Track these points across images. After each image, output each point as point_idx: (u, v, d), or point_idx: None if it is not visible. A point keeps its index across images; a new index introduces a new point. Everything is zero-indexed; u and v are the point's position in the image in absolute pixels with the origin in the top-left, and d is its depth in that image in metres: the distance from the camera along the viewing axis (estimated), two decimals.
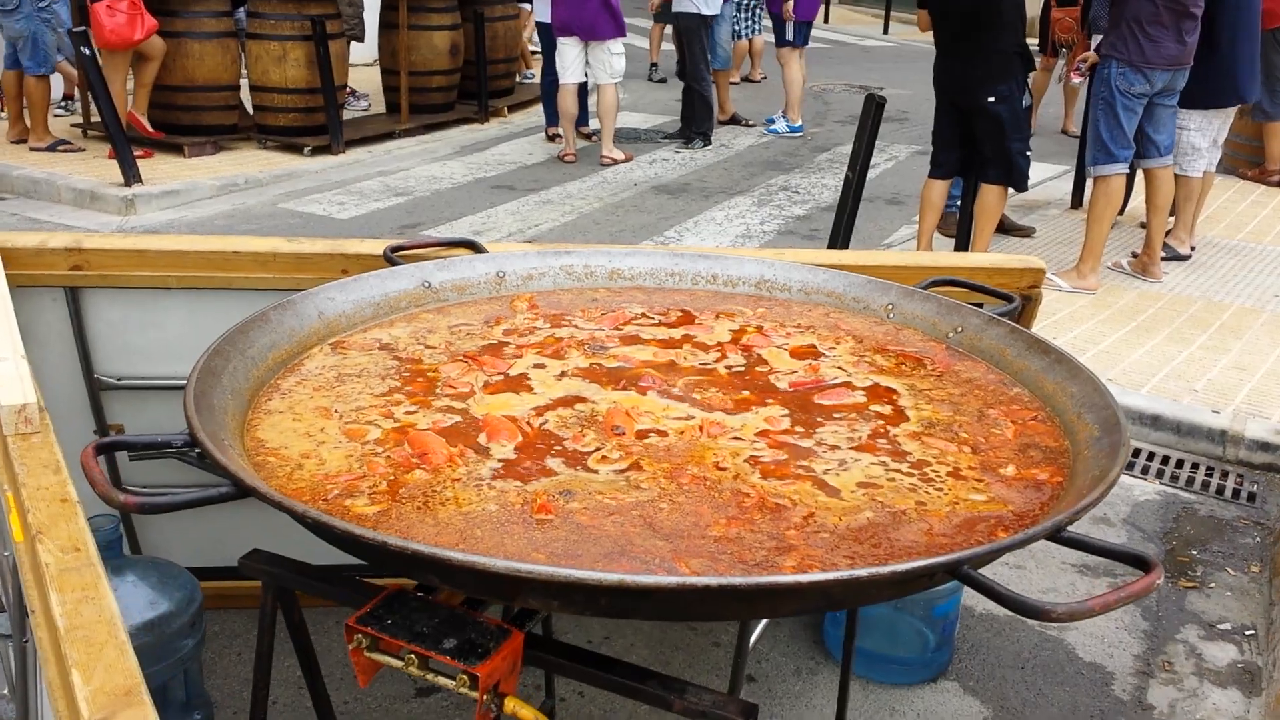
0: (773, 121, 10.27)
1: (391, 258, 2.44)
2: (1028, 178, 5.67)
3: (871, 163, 4.91)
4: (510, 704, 1.49)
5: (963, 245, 5.88)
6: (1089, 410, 1.84)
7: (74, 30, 7.23)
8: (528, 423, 1.83)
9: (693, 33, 9.22)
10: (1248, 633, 3.28)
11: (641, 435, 1.80)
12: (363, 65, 10.55)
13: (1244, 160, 8.49)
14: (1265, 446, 4.32)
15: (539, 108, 9.96)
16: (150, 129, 8.09)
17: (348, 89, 9.35)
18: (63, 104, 9.30)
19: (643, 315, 2.33)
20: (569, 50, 8.43)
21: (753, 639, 2.40)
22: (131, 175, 7.22)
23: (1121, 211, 6.54)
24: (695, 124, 9.53)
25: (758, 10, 11.04)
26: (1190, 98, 5.76)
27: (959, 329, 2.23)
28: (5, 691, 1.94)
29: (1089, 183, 6.11)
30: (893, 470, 1.73)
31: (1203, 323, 5.49)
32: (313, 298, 2.13)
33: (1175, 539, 3.81)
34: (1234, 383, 4.77)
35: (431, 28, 9.35)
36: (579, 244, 2.82)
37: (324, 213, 7.25)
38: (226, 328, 1.91)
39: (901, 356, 2.17)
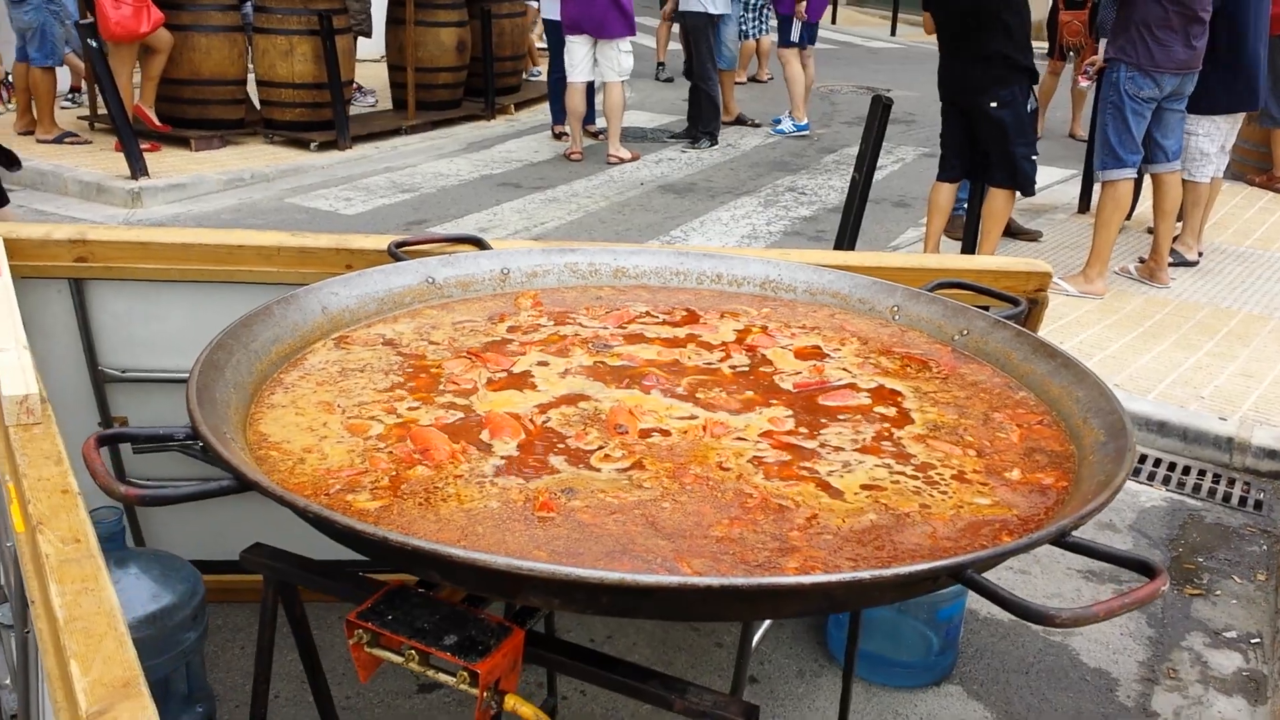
0: (779, 122, 10.26)
1: (396, 253, 2.43)
2: (1033, 182, 5.65)
3: (878, 165, 4.89)
4: (510, 701, 1.49)
5: (970, 248, 5.86)
6: (1095, 415, 1.83)
7: (81, 22, 7.25)
8: (531, 420, 1.82)
9: (700, 32, 9.21)
10: (1253, 641, 3.27)
11: (645, 434, 1.80)
12: (370, 61, 10.56)
13: (1252, 166, 8.47)
14: (1272, 454, 4.30)
15: (545, 105, 9.96)
16: (157, 122, 8.10)
17: (355, 85, 9.36)
18: (70, 96, 9.31)
19: (647, 314, 2.32)
20: (578, 48, 8.42)
21: (755, 640, 2.39)
22: (138, 168, 7.22)
23: (1129, 216, 6.52)
24: (702, 123, 9.52)
25: (765, 10, 11.03)
26: (1198, 103, 5.75)
27: (965, 331, 2.22)
28: (8, 682, 1.94)
29: (1096, 187, 6.10)
30: (897, 473, 1.72)
31: (1210, 329, 5.47)
32: (316, 292, 2.13)
33: (1181, 546, 3.80)
34: (1241, 389, 4.76)
35: (439, 24, 9.35)
36: (584, 242, 2.81)
37: (330, 208, 7.25)
38: (230, 321, 1.91)
39: (906, 359, 2.16)
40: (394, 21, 9.43)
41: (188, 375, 1.68)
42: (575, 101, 8.64)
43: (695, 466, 1.70)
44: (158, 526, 2.96)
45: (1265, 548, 3.80)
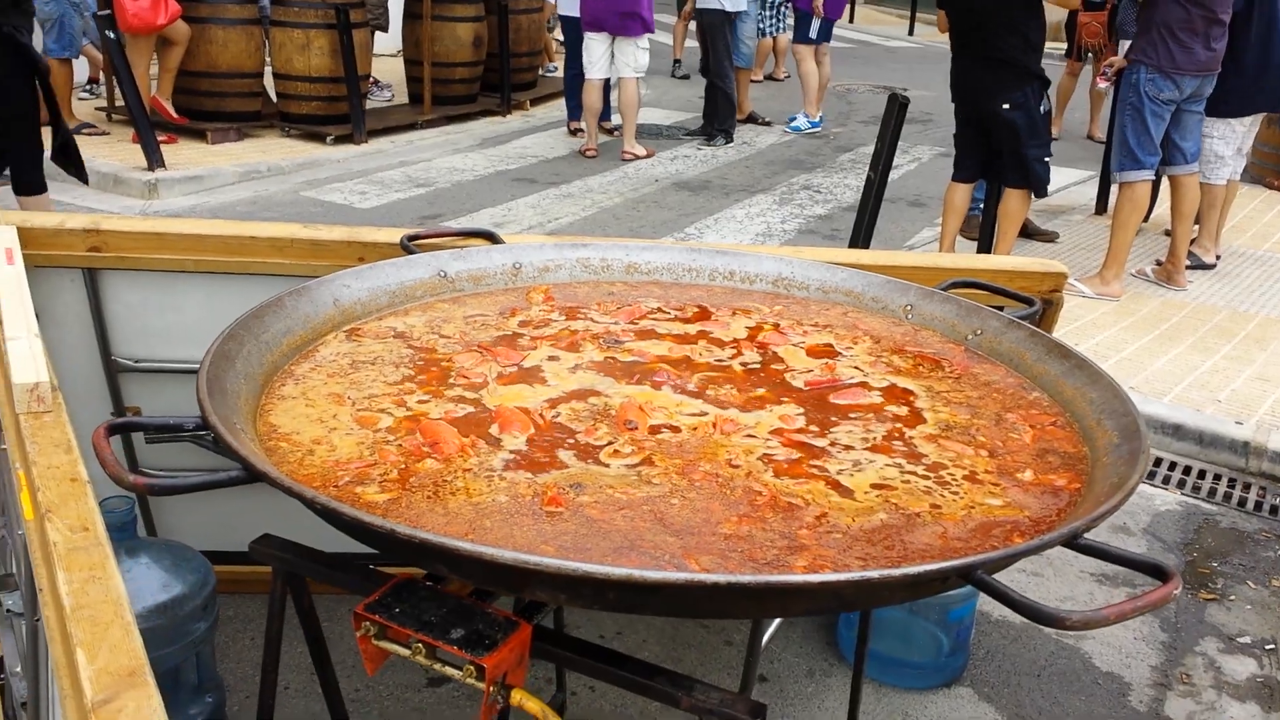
0: (794, 119, 10.24)
1: (408, 246, 2.43)
2: (1046, 184, 5.62)
3: (894, 164, 4.87)
4: (517, 696, 1.48)
5: (985, 248, 5.84)
6: (1109, 416, 1.81)
7: (99, 14, 7.27)
8: (540, 415, 1.82)
9: (717, 29, 9.19)
10: (1268, 647, 3.25)
11: (654, 430, 1.79)
12: (387, 55, 10.58)
13: (1270, 170, 8.41)
14: None
15: (561, 101, 9.96)
16: (174, 114, 8.13)
17: (371, 79, 9.37)
18: (87, 88, 9.35)
19: (659, 310, 2.32)
20: (597, 45, 8.41)
21: (765, 639, 2.39)
22: (155, 160, 7.25)
23: (1146, 218, 6.48)
24: (718, 121, 9.51)
25: (783, 8, 11.00)
26: (1215, 105, 5.71)
27: (978, 331, 2.21)
28: (18, 669, 1.95)
29: (1114, 189, 6.06)
30: (908, 472, 1.71)
31: (1227, 332, 5.43)
32: (328, 284, 2.13)
33: (1196, 550, 3.77)
34: (1258, 394, 4.72)
35: (455, 19, 9.36)
36: (597, 237, 2.81)
37: (345, 202, 7.27)
38: (242, 312, 1.91)
39: (919, 358, 2.15)
40: (411, 16, 9.44)
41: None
42: (592, 98, 8.63)
43: (705, 463, 1.69)
44: (170, 517, 2.97)
45: None
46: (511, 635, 1.47)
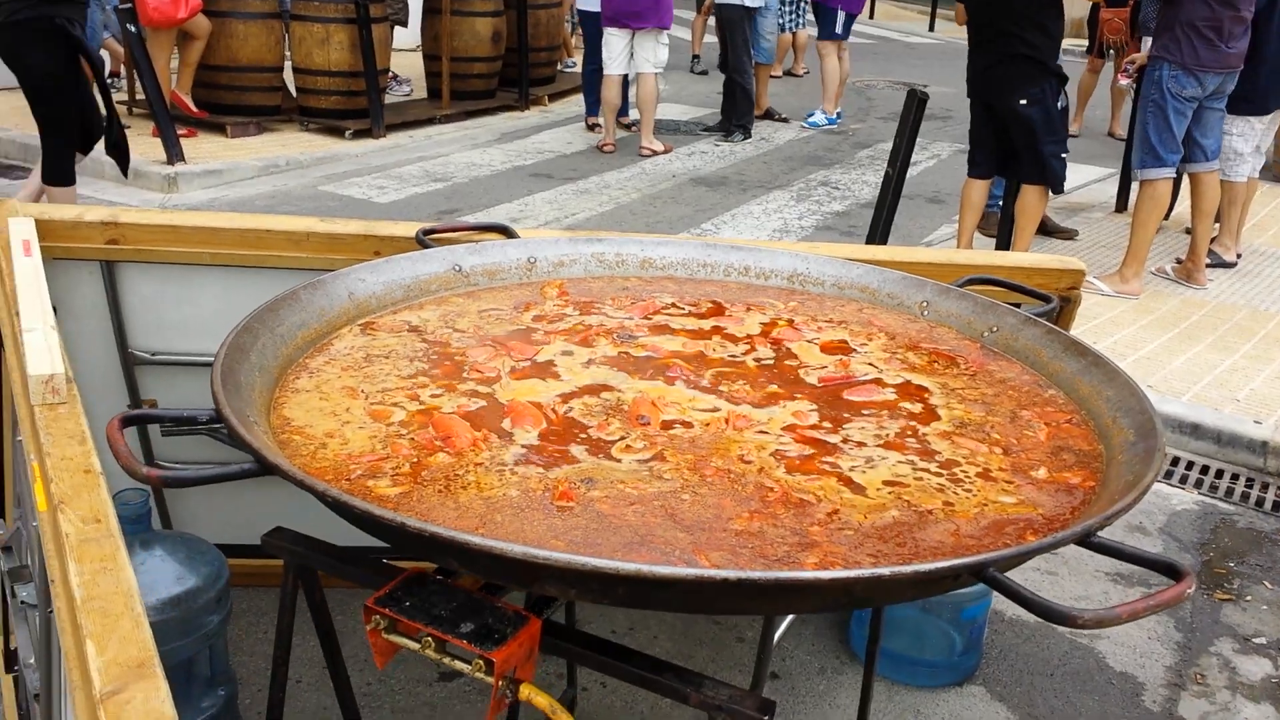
0: (812, 115, 10.21)
1: (424, 241, 2.43)
2: (1063, 180, 5.57)
3: (913, 160, 4.85)
4: (525, 691, 1.48)
5: (1004, 245, 5.80)
6: (1125, 414, 1.80)
7: (120, 7, 7.30)
8: (553, 409, 1.81)
9: (735, 24, 9.17)
10: None
11: (667, 426, 1.79)
12: (406, 50, 10.58)
13: None
14: None
15: (579, 97, 9.95)
16: (194, 108, 8.16)
17: (390, 74, 9.39)
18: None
19: (673, 305, 2.31)
20: (617, 41, 8.40)
21: (777, 636, 2.38)
22: (175, 153, 7.28)
23: (1167, 216, 6.43)
24: (736, 116, 9.48)
25: (802, 4, 10.97)
26: (1235, 103, 5.67)
27: (994, 328, 2.19)
28: (33, 661, 1.96)
29: (1134, 186, 6.02)
30: (920, 469, 1.70)
31: (1247, 331, 5.39)
32: (343, 278, 2.13)
33: (1212, 550, 3.75)
34: (1277, 393, 4.68)
35: (474, 14, 9.36)
36: (612, 232, 2.80)
37: (363, 196, 7.28)
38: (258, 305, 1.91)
39: (934, 354, 2.14)
40: (430, 11, 9.45)
41: None
42: (611, 94, 8.63)
43: (716, 459, 1.69)
44: (185, 510, 2.98)
45: None
46: (521, 630, 1.47)
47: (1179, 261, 6.17)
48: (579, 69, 10.22)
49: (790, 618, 2.63)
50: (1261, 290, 6.05)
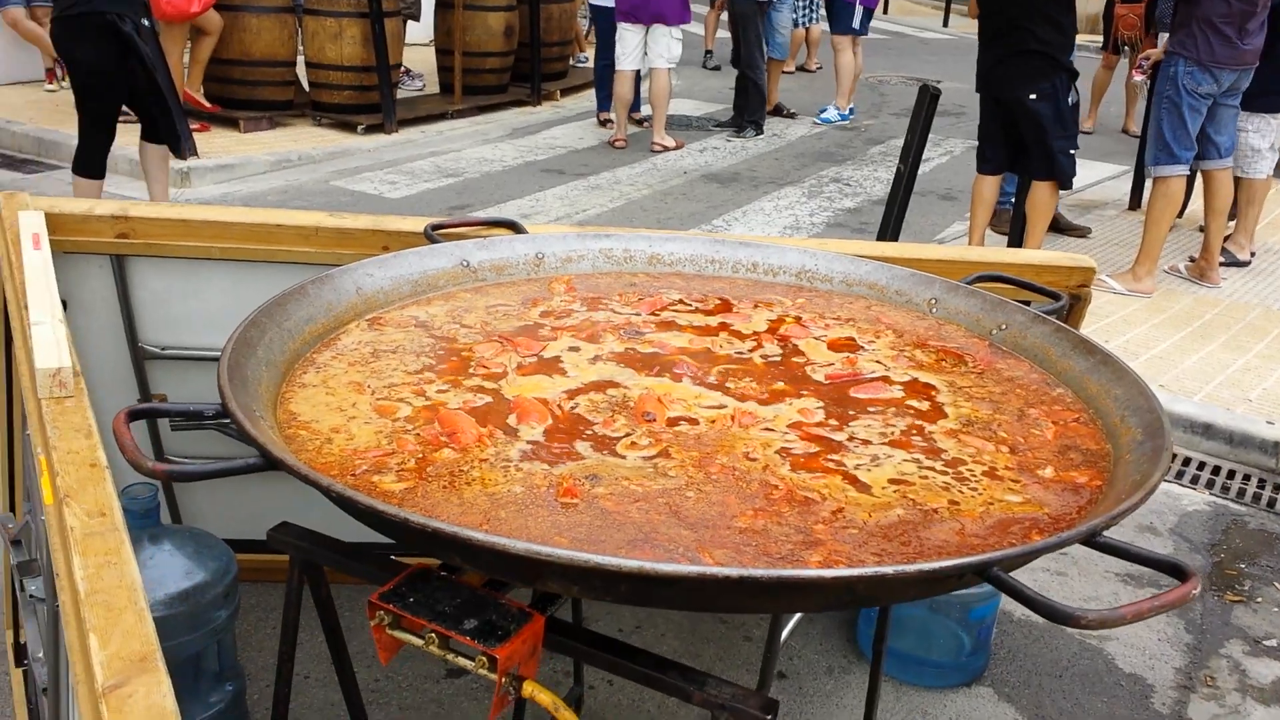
0: (824, 110, 10.18)
1: (432, 236, 2.43)
2: (1072, 175, 5.54)
3: (925, 157, 4.84)
4: (529, 688, 1.48)
5: (1016, 242, 5.78)
6: (1133, 413, 1.79)
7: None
8: (559, 406, 1.81)
9: (748, 19, 9.14)
10: None
11: (672, 422, 1.78)
12: (418, 45, 10.60)
13: None
14: None
15: (591, 92, 9.95)
16: (206, 103, 8.18)
17: (403, 68, 9.40)
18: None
19: (680, 301, 2.31)
20: (631, 37, 8.39)
21: (784, 635, 2.38)
22: (187, 148, 7.29)
23: (1180, 214, 6.40)
24: (748, 112, 9.47)
25: None
26: (1250, 99, 5.63)
27: (1003, 326, 2.18)
28: (40, 655, 1.97)
29: (1148, 183, 5.99)
30: (926, 468, 1.69)
31: (1260, 331, 5.36)
32: (351, 273, 2.13)
33: (1223, 551, 3.73)
34: None
35: (487, 8, 9.37)
36: (620, 228, 2.80)
37: (375, 191, 7.29)
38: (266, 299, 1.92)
39: (942, 352, 2.13)
40: (442, 5, 9.46)
41: None
42: (623, 89, 8.62)
43: (722, 456, 1.68)
44: (194, 504, 2.99)
45: None
46: (524, 627, 1.47)
47: (1192, 260, 6.13)
48: (591, 64, 10.21)
49: (798, 617, 2.63)
50: (1276, 289, 6.01)
